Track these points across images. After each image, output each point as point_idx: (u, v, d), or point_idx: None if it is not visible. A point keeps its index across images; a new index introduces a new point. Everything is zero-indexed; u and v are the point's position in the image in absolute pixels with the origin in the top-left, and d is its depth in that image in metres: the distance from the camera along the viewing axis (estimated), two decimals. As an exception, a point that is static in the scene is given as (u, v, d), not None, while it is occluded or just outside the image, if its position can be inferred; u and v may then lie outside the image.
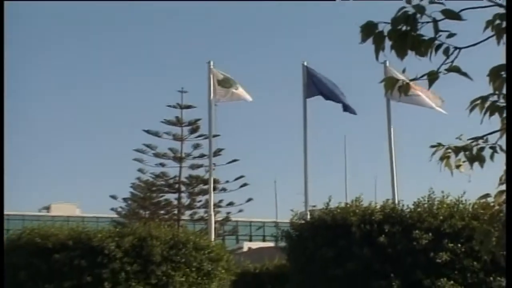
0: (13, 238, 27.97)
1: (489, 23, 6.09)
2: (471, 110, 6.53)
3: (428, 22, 6.00)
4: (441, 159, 7.10)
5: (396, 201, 22.70)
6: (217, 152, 47.66)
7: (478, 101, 6.47)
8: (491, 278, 19.76)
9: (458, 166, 7.10)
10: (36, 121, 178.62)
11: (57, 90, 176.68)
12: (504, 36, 6.13)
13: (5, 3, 17.67)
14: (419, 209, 20.94)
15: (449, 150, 7.08)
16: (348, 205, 21.63)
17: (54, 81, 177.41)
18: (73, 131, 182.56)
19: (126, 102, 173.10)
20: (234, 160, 59.55)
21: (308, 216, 23.57)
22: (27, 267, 26.01)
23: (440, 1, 5.97)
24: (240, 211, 61.17)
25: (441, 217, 20.46)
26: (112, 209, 62.18)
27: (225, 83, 33.81)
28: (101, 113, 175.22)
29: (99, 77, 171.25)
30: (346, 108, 33.36)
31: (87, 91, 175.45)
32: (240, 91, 34.40)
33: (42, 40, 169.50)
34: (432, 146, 7.11)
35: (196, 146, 59.54)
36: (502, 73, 6.20)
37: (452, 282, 19.75)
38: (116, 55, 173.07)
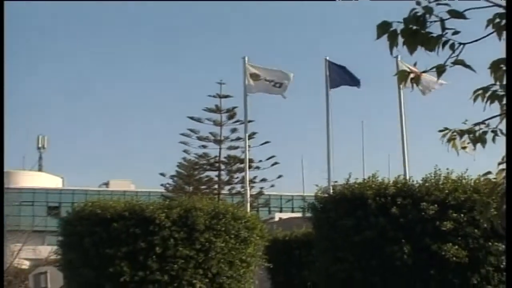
0: (78, 209, 28.11)
1: (490, 22, 6.22)
2: (474, 99, 6.62)
3: (435, 21, 6.22)
4: (448, 140, 7.20)
5: (407, 177, 22.65)
6: (251, 135, 47.71)
7: (480, 91, 6.55)
8: (490, 243, 19.74)
9: (463, 147, 7.16)
10: (103, 110, 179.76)
11: (119, 81, 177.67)
12: (504, 33, 6.21)
13: (5, 3, 16.19)
14: (426, 184, 20.92)
15: (455, 133, 7.19)
16: (365, 181, 21.62)
17: (118, 72, 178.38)
18: (130, 117, 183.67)
19: (175, 92, 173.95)
20: (266, 142, 59.63)
21: (331, 191, 23.58)
22: (90, 234, 26.16)
23: (446, 2, 6.06)
24: (272, 186, 61.37)
25: (446, 191, 20.43)
26: (161, 185, 62.56)
27: (256, 77, 33.87)
28: (154, 101, 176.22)
29: (155, 71, 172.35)
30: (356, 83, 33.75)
31: (145, 83, 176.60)
32: (272, 85, 34.43)
33: (108, 37, 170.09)
34: (441, 130, 7.20)
35: (233, 130, 59.78)
36: (502, 65, 6.29)
37: (456, 247, 19.71)
38: (169, 54, 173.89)
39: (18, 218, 78.40)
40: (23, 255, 49.16)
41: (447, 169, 21.12)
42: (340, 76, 33.61)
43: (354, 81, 33.88)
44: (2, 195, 20.34)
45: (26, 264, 45.17)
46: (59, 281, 28.27)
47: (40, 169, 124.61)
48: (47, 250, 47.75)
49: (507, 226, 6.48)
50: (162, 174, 64.77)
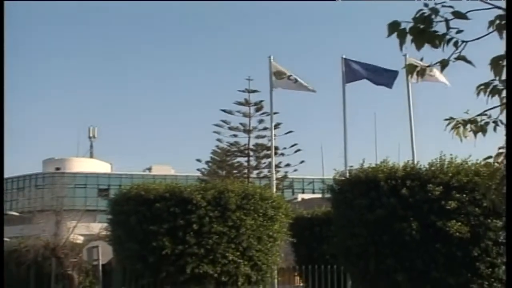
0: (125, 191, 28.26)
1: (491, 23, 6.26)
2: (478, 93, 6.66)
3: (441, 21, 6.24)
4: (453, 129, 7.22)
5: (415, 162, 22.54)
6: (276, 126, 47.75)
7: (483, 86, 6.60)
8: (489, 220, 19.63)
9: (466, 135, 7.13)
10: (146, 103, 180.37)
11: (162, 77, 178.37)
12: (504, 32, 6.24)
13: (5, 3, 15.37)
14: (432, 168, 20.84)
15: (459, 123, 7.23)
16: (377, 165, 21.57)
17: (161, 69, 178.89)
18: (170, 109, 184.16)
19: (210, 87, 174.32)
20: (290, 132, 59.72)
21: (347, 174, 23.54)
22: (136, 213, 26.28)
23: (450, 4, 6.13)
24: (295, 170, 61.54)
25: (450, 174, 20.34)
26: (198, 169, 62.79)
27: (280, 75, 33.94)
28: (191, 95, 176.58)
29: (191, 68, 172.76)
30: (380, 83, 33.49)
31: (184, 79, 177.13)
32: (294, 83, 34.50)
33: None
34: (446, 119, 7.22)
35: (260, 121, 59.89)
36: (501, 62, 6.30)
37: (459, 223, 19.62)
38: (204, 53, 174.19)
39: (73, 199, 78.91)
40: (78, 231, 49.34)
41: (451, 155, 21.08)
42: (359, 70, 33.57)
43: (377, 74, 33.79)
44: (2, 194, 20.08)
45: (80, 239, 45.36)
46: (109, 254, 28.48)
47: (91, 156, 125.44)
48: (98, 227, 47.93)
49: (507, 225, 6.35)
50: (199, 160, 65.33)
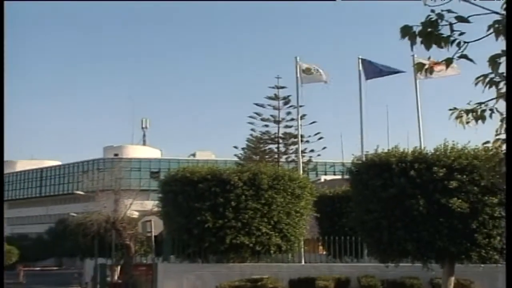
0: (173, 174, 28.43)
1: (490, 27, 6.24)
2: (476, 84, 6.60)
3: (445, 25, 6.18)
4: (456, 118, 7.19)
5: (422, 147, 22.42)
6: (302, 117, 47.55)
7: (481, 78, 6.57)
8: (486, 198, 19.48)
9: (467, 123, 7.15)
10: (191, 97, 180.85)
11: (207, 75, 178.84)
12: (502, 36, 6.26)
13: (5, 3, 13.92)
14: (437, 153, 20.71)
15: (462, 112, 7.18)
16: (389, 151, 21.48)
17: (206, 68, 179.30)
18: (211, 103, 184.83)
19: (245, 84, 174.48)
20: (313, 122, 59.51)
21: (364, 158, 23.44)
22: (182, 192, 26.47)
23: (454, 9, 6.11)
24: (318, 155, 61.42)
25: (452, 158, 20.20)
26: (235, 155, 62.88)
27: (308, 71, 33.91)
28: (230, 90, 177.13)
29: (235, 68, 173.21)
30: (395, 71, 33.53)
31: (227, 77, 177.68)
32: (320, 75, 34.49)
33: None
34: (450, 110, 7.22)
35: (288, 113, 59.86)
36: (497, 60, 6.27)
37: (460, 200, 19.49)
38: (245, 54, 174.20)
39: (129, 181, 79.33)
40: (133, 207, 49.55)
41: (453, 141, 20.98)
42: (374, 70, 33.56)
43: (390, 71, 33.78)
44: (2, 195, 19.55)
45: (135, 214, 45.61)
46: (160, 226, 28.70)
47: (144, 144, 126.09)
48: (150, 204, 48.18)
49: (506, 224, 6.33)
50: (236, 147, 65.51)
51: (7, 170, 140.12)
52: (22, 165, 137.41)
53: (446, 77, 29.76)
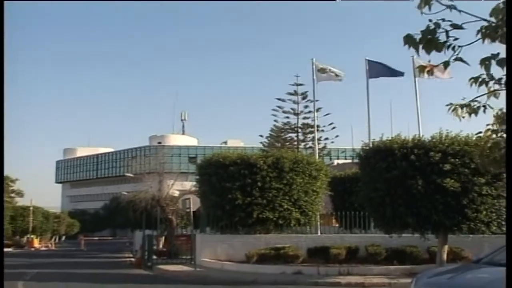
0: (208, 158, 28.54)
1: (478, 31, 6.24)
2: (471, 84, 6.59)
3: (442, 32, 6.12)
4: (452, 111, 7.23)
5: (420, 135, 22.31)
6: (318, 110, 47.54)
7: (473, 79, 6.56)
8: (475, 178, 19.37)
9: (463, 117, 7.20)
10: (223, 93, 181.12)
11: (240, 75, 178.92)
12: (488, 39, 6.27)
13: (5, 3, 12.66)
14: (433, 140, 20.59)
15: (457, 106, 7.21)
16: (393, 138, 21.40)
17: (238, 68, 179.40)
18: (243, 98, 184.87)
19: (268, 81, 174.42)
20: (327, 114, 59.39)
21: (371, 144, 23.37)
22: (216, 174, 26.63)
23: (449, 19, 6.06)
24: (332, 142, 61.33)
25: (446, 144, 20.08)
26: (260, 142, 62.99)
27: (323, 71, 33.85)
28: (255, 87, 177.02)
29: (260, 68, 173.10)
30: (398, 73, 33.50)
31: (253, 77, 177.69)
32: (333, 74, 34.45)
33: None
34: (447, 104, 7.28)
35: (306, 107, 59.70)
36: (487, 62, 6.23)
37: (452, 181, 19.36)
38: (270, 56, 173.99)
39: (170, 165, 79.86)
40: (175, 187, 49.77)
41: (447, 130, 20.87)
42: (379, 69, 33.52)
43: (393, 73, 33.77)
44: (2, 195, 18.84)
45: (176, 193, 45.79)
46: (197, 203, 28.86)
47: (183, 133, 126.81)
48: (189, 184, 48.43)
49: (506, 224, 6.28)
50: (261, 135, 65.73)
51: (68, 156, 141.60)
52: (81, 152, 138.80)
53: (441, 78, 29.74)
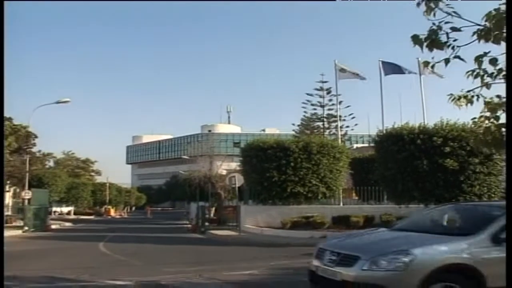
0: (250, 143, 28.69)
1: (474, 33, 6.16)
2: (467, 76, 6.48)
3: (443, 34, 6.16)
4: (452, 100, 7.04)
5: (425, 123, 22.23)
6: (340, 102, 47.24)
7: (470, 72, 6.46)
8: (470, 159, 19.37)
9: (460, 105, 7.02)
10: (263, 87, 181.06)
11: (274, 73, 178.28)
12: (482, 40, 6.18)
13: (5, 3, 11.38)
14: (436, 127, 20.60)
15: (456, 97, 7.01)
16: (402, 126, 21.44)
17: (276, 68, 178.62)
18: (278, 92, 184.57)
19: (300, 78, 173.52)
20: (348, 106, 58.96)
21: (384, 131, 23.35)
22: (256, 156, 26.76)
23: (450, 20, 6.11)
24: (352, 129, 60.81)
25: (446, 130, 20.09)
26: (293, 129, 62.81)
27: (343, 71, 33.77)
28: (288, 84, 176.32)
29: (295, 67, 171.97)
30: (408, 71, 33.35)
31: (289, 76, 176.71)
32: (352, 73, 34.38)
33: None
34: (448, 95, 7.12)
35: (330, 100, 59.22)
36: (480, 59, 6.23)
37: (452, 161, 19.42)
38: (300, 58, 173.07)
39: (219, 148, 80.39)
40: (223, 167, 50.25)
41: (446, 118, 20.83)
42: (390, 68, 33.38)
43: (401, 70, 33.62)
44: (2, 193, 18.18)
45: (224, 172, 46.23)
46: (241, 180, 29.00)
47: (229, 122, 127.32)
48: (234, 165, 48.81)
49: (507, 224, 6.13)
50: (293, 124, 65.85)
51: (136, 142, 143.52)
52: (146, 138, 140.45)
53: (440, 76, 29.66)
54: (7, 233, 28.66)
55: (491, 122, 7.47)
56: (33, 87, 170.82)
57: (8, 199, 42.01)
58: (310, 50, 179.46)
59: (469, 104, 7.03)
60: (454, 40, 6.25)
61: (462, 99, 7.03)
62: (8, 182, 41.47)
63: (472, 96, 6.98)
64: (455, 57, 6.26)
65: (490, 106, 7.21)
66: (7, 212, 40.25)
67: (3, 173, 18.34)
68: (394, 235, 8.28)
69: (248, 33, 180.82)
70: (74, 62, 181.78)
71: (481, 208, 9.12)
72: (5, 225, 34.65)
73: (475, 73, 6.49)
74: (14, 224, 35.34)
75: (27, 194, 34.84)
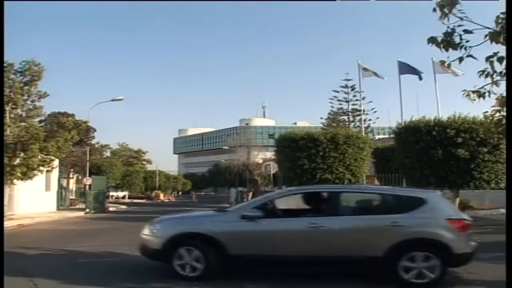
0: (283, 135, 28.57)
1: (486, 36, 6.22)
2: (479, 76, 6.56)
3: (457, 35, 6.26)
4: (466, 96, 7.07)
5: (440, 116, 22.19)
6: (363, 98, 47.35)
7: (481, 72, 6.55)
8: (480, 148, 19.28)
9: (474, 99, 7.04)
10: (295, 84, 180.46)
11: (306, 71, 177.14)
12: (494, 42, 6.20)
13: (5, 3, 10.81)
14: (449, 120, 20.52)
15: (469, 92, 7.05)
16: (419, 119, 21.38)
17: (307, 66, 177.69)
18: (308, 89, 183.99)
19: (328, 76, 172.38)
20: (370, 101, 58.76)
21: (403, 123, 23.37)
22: (289, 147, 26.38)
23: (462, 24, 6.23)
24: (374, 122, 60.53)
25: (459, 122, 19.97)
26: (321, 122, 62.74)
27: (366, 70, 33.80)
28: (318, 82, 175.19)
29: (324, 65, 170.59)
30: (419, 76, 33.17)
31: (318, 74, 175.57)
32: (373, 72, 34.39)
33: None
34: (462, 91, 7.16)
35: (354, 96, 59.05)
36: (491, 59, 6.26)
37: (463, 150, 19.32)
38: (330, 58, 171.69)
39: (255, 140, 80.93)
40: (259, 156, 50.79)
41: (459, 112, 20.72)
42: (406, 68, 33.30)
43: (416, 72, 33.47)
44: (2, 192, 18.08)
45: (260, 160, 46.72)
46: (275, 168, 29.37)
47: (264, 117, 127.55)
48: (269, 154, 49.21)
49: (507, 222, 6.31)
50: (321, 118, 65.77)
51: (182, 134, 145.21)
52: (191, 131, 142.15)
53: (454, 74, 29.46)
54: (71, 214, 29.93)
55: (502, 115, 7.58)
56: (92, 86, 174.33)
57: (72, 184, 43.41)
58: (336, 52, 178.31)
59: (480, 99, 7.04)
60: (467, 41, 6.26)
61: (474, 94, 7.03)
62: (72, 170, 42.87)
63: (484, 93, 6.98)
64: (468, 56, 6.28)
65: (501, 101, 7.26)
66: (71, 196, 41.55)
67: (3, 171, 18.88)
68: (200, 214, 10.35)
69: (281, 37, 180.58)
70: (131, 64, 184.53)
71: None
72: (70, 207, 36.06)
73: (485, 72, 6.54)
74: (77, 206, 36.68)
75: (88, 181, 36.09)
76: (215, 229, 8.36)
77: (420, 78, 32.93)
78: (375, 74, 34.11)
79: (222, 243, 8.26)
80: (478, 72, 6.53)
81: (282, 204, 9.59)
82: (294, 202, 9.59)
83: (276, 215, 8.93)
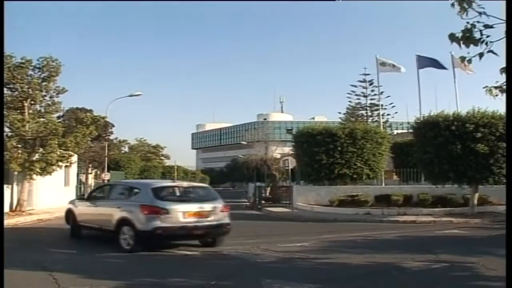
0: (301, 130, 28.56)
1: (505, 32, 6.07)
2: (501, 73, 6.41)
3: (477, 31, 6.12)
4: (487, 91, 6.94)
5: (459, 111, 21.96)
6: (381, 93, 46.92)
7: (501, 69, 6.38)
8: (499, 143, 19.06)
9: (496, 95, 6.94)
10: (316, 82, 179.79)
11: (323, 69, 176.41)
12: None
13: (5, 3, 10.56)
14: (468, 115, 20.31)
15: (491, 88, 6.94)
16: (438, 113, 21.17)
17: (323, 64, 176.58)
18: (325, 85, 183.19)
19: (345, 72, 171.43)
20: (388, 96, 58.34)
21: (421, 118, 23.22)
22: (306, 142, 26.58)
23: (482, 20, 6.05)
24: (392, 117, 60.16)
25: (478, 117, 19.76)
26: (339, 117, 62.55)
27: (384, 64, 33.58)
28: (337, 78, 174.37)
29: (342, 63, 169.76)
30: (442, 67, 32.82)
31: (337, 72, 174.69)
32: (392, 67, 34.15)
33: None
34: (484, 87, 7.07)
35: (372, 90, 58.76)
36: None
37: (482, 145, 19.16)
38: (348, 54, 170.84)
39: (273, 135, 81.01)
40: (277, 151, 50.80)
41: (478, 107, 20.54)
42: (425, 62, 33.02)
43: (439, 65, 33.16)
44: (2, 192, 18.63)
45: (278, 155, 46.73)
46: (293, 163, 29.27)
47: (281, 112, 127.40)
48: (287, 149, 49.25)
49: (507, 220, 6.24)
50: (339, 112, 65.75)
51: (200, 129, 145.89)
52: (209, 126, 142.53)
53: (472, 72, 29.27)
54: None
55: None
56: (110, 82, 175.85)
57: (90, 180, 43.93)
58: (354, 47, 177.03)
59: (503, 94, 6.91)
60: (487, 37, 6.14)
61: (497, 90, 6.93)
62: (90, 165, 43.36)
63: (504, 89, 6.83)
64: (489, 51, 6.17)
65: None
66: (90, 191, 41.95)
67: (3, 168, 19.02)
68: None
69: (300, 32, 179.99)
70: (149, 59, 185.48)
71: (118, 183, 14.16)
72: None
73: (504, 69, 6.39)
74: (97, 201, 37.01)
75: (106, 176, 36.42)
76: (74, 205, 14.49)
77: (444, 68, 32.64)
78: (393, 66, 33.84)
79: (75, 215, 14.02)
80: (501, 69, 6.40)
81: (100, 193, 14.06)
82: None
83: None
